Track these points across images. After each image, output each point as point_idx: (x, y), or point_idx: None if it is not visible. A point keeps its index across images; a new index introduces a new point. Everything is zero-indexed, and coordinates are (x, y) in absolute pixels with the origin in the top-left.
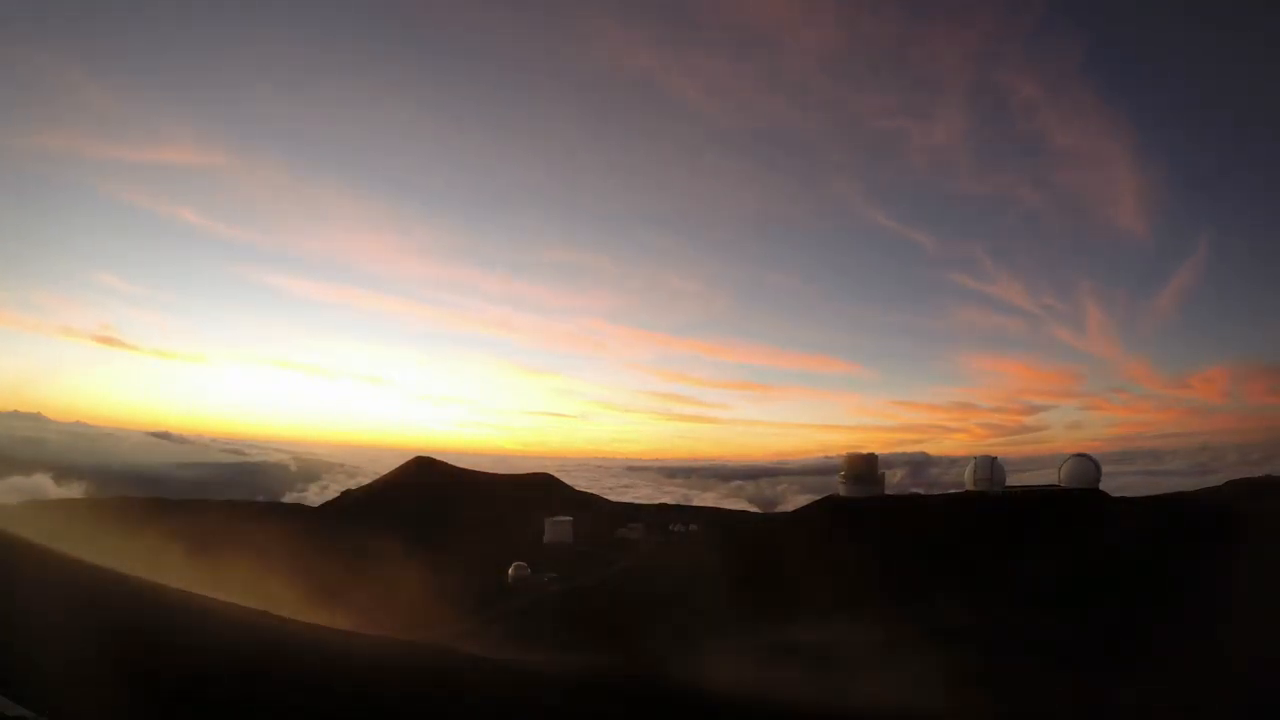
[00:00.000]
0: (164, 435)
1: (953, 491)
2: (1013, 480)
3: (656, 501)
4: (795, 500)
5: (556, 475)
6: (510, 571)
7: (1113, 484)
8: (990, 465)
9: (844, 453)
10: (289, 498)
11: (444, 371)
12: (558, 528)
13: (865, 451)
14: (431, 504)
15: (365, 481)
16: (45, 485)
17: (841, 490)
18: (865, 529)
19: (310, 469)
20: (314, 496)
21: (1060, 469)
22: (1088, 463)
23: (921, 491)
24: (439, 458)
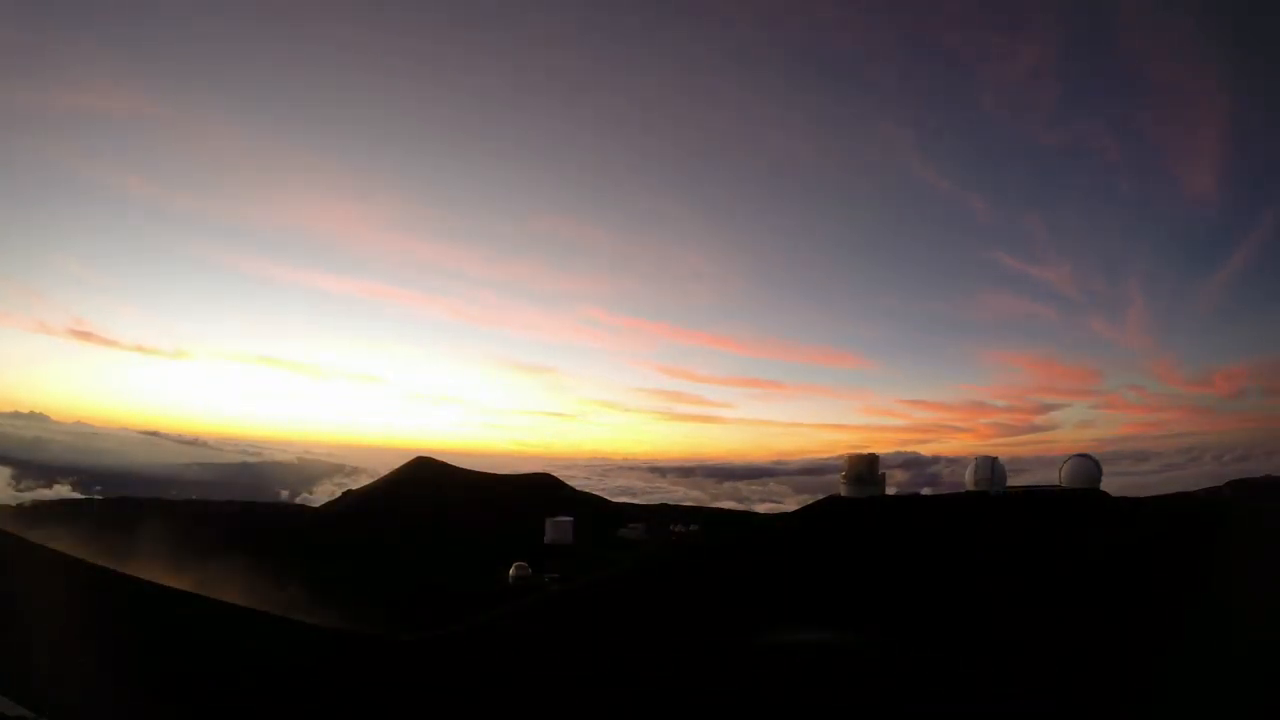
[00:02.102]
0: (161, 435)
1: (953, 492)
2: (1015, 480)
3: (657, 501)
4: (796, 501)
5: (556, 475)
6: (511, 571)
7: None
8: (990, 465)
9: (846, 453)
10: (290, 498)
11: (438, 369)
12: (558, 528)
13: (867, 452)
14: (431, 504)
15: (366, 482)
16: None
17: (842, 491)
18: (865, 530)
19: (312, 470)
20: (316, 497)
21: (1061, 469)
22: (1089, 463)
23: (922, 492)
24: (439, 458)
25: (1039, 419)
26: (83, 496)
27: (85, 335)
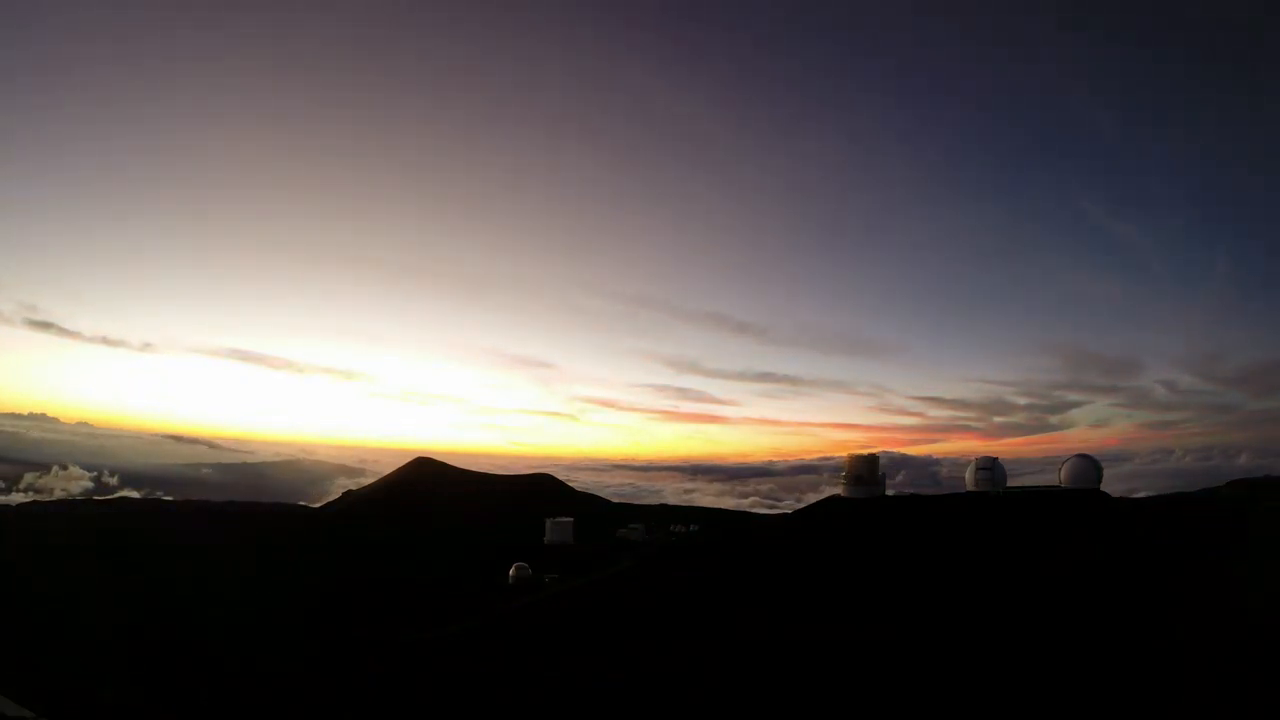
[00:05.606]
0: (160, 436)
1: (953, 493)
2: (1016, 481)
3: (657, 502)
4: (797, 501)
5: (556, 475)
6: (511, 571)
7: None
8: (991, 466)
9: (848, 453)
10: (289, 499)
11: (427, 364)
12: (558, 528)
13: (867, 452)
14: (431, 504)
15: (366, 482)
16: None
17: (843, 491)
18: (865, 530)
19: (314, 470)
20: (316, 498)
21: (1061, 469)
22: (1088, 463)
23: (923, 492)
24: (438, 458)
25: (1054, 418)
26: (82, 497)
27: (43, 325)
